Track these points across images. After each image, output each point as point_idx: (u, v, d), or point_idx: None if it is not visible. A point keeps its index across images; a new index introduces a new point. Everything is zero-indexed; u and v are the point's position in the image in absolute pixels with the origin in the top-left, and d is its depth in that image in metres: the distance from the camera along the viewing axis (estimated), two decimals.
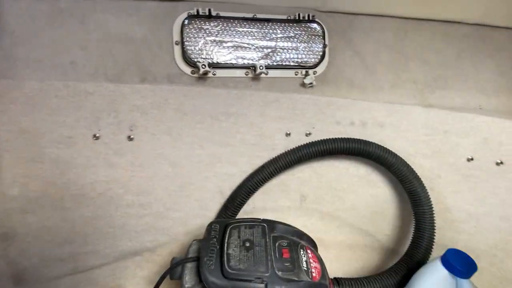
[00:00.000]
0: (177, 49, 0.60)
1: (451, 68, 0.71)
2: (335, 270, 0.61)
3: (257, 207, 0.62)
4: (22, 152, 0.49)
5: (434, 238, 0.53)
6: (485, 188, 0.55)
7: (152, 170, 0.55)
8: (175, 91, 0.53)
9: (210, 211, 0.59)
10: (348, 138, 0.55)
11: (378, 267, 0.63)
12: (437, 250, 0.54)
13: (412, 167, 0.55)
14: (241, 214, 0.60)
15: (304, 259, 0.42)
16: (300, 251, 0.43)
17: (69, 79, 0.55)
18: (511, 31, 0.78)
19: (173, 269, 0.42)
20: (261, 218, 0.47)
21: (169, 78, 0.61)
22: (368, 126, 0.56)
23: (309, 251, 0.45)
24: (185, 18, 0.59)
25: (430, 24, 0.73)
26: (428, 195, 0.54)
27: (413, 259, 0.51)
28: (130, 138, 0.53)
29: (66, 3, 0.55)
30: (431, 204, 0.54)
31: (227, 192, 0.60)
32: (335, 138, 0.55)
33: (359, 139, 0.54)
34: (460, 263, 0.41)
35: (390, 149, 0.55)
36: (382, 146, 0.54)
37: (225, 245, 0.40)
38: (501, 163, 0.53)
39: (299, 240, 0.46)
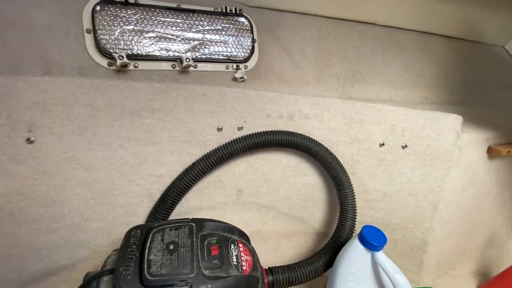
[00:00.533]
0: (88, 38, 0.54)
1: (367, 64, 0.80)
2: (273, 260, 0.63)
3: (192, 206, 0.59)
4: None
5: (356, 218, 0.59)
6: (394, 169, 0.62)
7: (63, 177, 0.48)
8: (84, 84, 0.47)
9: (138, 216, 0.55)
10: (278, 131, 0.56)
11: (312, 250, 0.67)
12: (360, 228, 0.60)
13: (335, 154, 0.59)
14: (174, 216, 0.57)
15: (235, 253, 0.42)
16: (230, 246, 0.43)
17: None
18: (413, 32, 0.91)
19: (87, 286, 0.37)
20: (190, 218, 0.45)
21: (81, 71, 0.54)
22: (295, 118, 0.58)
23: (240, 244, 0.44)
24: (96, 4, 0.53)
25: (348, 24, 0.80)
26: (349, 180, 0.59)
27: (339, 239, 0.56)
28: (30, 141, 0.45)
29: None
30: (353, 188, 0.59)
31: (157, 195, 0.56)
32: (266, 131, 0.56)
33: (287, 131, 0.56)
34: (373, 238, 0.46)
35: (315, 139, 0.58)
36: (308, 137, 0.57)
37: (146, 250, 0.37)
38: (406, 146, 0.61)
39: (230, 235, 0.45)
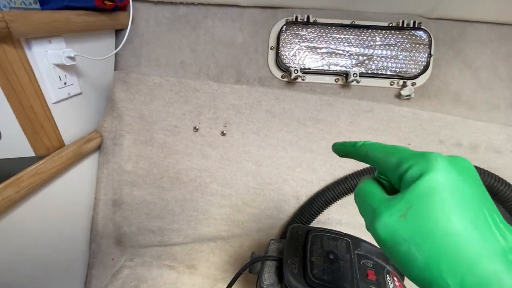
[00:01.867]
0: (271, 54, 0.63)
1: None
2: None
3: (332, 218, 0.60)
4: (138, 135, 0.59)
5: None
6: None
7: (237, 165, 0.59)
8: (268, 93, 0.55)
9: (283, 213, 0.60)
10: None
11: None
12: None
13: None
14: (315, 223, 0.59)
15: (391, 286, 0.39)
16: (386, 276, 0.40)
17: (178, 76, 0.63)
18: None
19: (253, 263, 0.44)
20: (343, 232, 0.45)
21: (260, 81, 0.64)
22: (480, 150, 0.48)
23: (395, 278, 0.41)
24: (283, 25, 0.61)
25: None
26: None
27: None
28: (223, 134, 0.57)
29: (184, 10, 0.63)
30: None
31: (303, 198, 0.59)
32: None
33: None
34: None
35: (507, 181, 0.46)
36: (497, 176, 0.46)
37: (308, 251, 0.40)
38: None
39: (384, 264, 0.42)
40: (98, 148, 0.58)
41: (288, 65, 0.61)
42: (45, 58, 0.46)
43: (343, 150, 0.25)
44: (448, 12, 0.61)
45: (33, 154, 0.49)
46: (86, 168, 0.56)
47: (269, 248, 0.46)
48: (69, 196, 0.52)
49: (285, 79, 0.63)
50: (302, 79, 0.63)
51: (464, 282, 0.14)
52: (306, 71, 0.62)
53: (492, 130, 0.48)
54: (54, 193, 0.48)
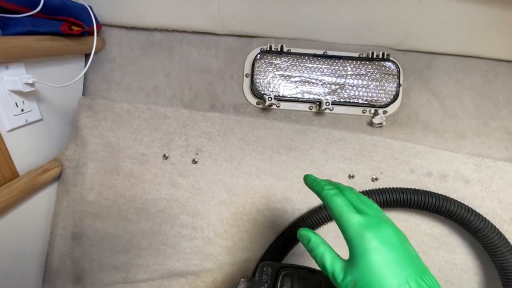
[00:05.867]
0: (246, 81, 0.63)
1: None
2: None
3: None
4: (103, 163, 0.55)
5: None
6: None
7: (209, 195, 0.56)
8: (241, 121, 0.54)
9: (258, 245, 0.57)
10: (425, 191, 0.48)
11: None
12: None
13: (505, 236, 0.45)
14: (291, 255, 0.56)
15: None
16: None
17: (151, 102, 0.61)
18: None
19: None
20: (317, 269, 0.43)
21: (235, 108, 0.63)
22: (449, 179, 0.49)
23: None
24: (258, 53, 0.62)
25: None
26: None
27: None
28: (194, 162, 0.55)
29: (158, 36, 0.63)
30: None
31: (277, 229, 0.57)
32: (409, 189, 0.49)
33: (439, 194, 0.47)
34: None
35: (477, 211, 0.46)
36: (467, 206, 0.46)
37: None
38: None
39: None
40: (58, 178, 0.53)
41: (262, 92, 0.61)
42: (0, 84, 0.43)
43: (311, 187, 0.31)
44: (415, 44, 0.64)
45: None
46: (42, 201, 0.51)
47: None
48: (20, 233, 0.47)
49: (260, 106, 0.63)
50: (276, 106, 0.62)
51: None
52: (280, 99, 0.62)
53: (460, 160, 0.48)
54: (1, 232, 0.43)
